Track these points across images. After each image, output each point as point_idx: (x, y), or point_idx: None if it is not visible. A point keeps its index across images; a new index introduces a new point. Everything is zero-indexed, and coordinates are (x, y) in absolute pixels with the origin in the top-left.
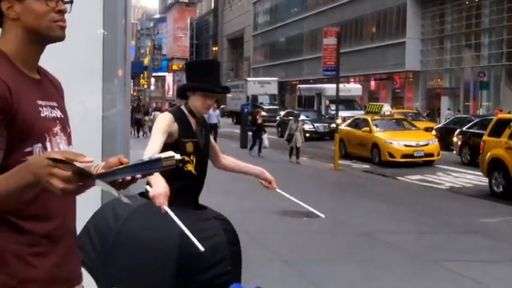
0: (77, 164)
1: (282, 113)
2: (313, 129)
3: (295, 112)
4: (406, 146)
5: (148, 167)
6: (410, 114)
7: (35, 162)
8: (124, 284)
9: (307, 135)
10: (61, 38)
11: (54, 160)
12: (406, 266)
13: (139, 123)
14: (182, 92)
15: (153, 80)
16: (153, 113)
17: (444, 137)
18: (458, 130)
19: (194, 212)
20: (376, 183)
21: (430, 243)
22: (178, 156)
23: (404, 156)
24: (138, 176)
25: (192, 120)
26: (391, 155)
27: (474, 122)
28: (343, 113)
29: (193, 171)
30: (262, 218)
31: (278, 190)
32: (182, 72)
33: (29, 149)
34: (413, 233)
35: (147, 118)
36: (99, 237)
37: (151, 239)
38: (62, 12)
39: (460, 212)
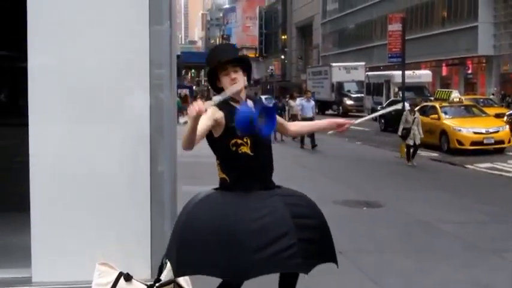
0: None
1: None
2: None
3: (411, 101)
4: (475, 133)
5: None
6: (481, 100)
7: None
8: (193, 269)
9: None
10: None
11: None
12: (463, 256)
13: None
14: (214, 87)
15: None
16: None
17: None
18: None
19: (256, 193)
20: (443, 171)
21: (491, 233)
22: None
23: (474, 143)
24: None
25: (236, 104)
26: (460, 143)
27: None
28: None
29: (249, 152)
30: (322, 207)
31: (356, 121)
32: (252, 61)
33: None
34: (475, 222)
35: None
36: (173, 229)
37: (209, 225)
38: None
39: None
